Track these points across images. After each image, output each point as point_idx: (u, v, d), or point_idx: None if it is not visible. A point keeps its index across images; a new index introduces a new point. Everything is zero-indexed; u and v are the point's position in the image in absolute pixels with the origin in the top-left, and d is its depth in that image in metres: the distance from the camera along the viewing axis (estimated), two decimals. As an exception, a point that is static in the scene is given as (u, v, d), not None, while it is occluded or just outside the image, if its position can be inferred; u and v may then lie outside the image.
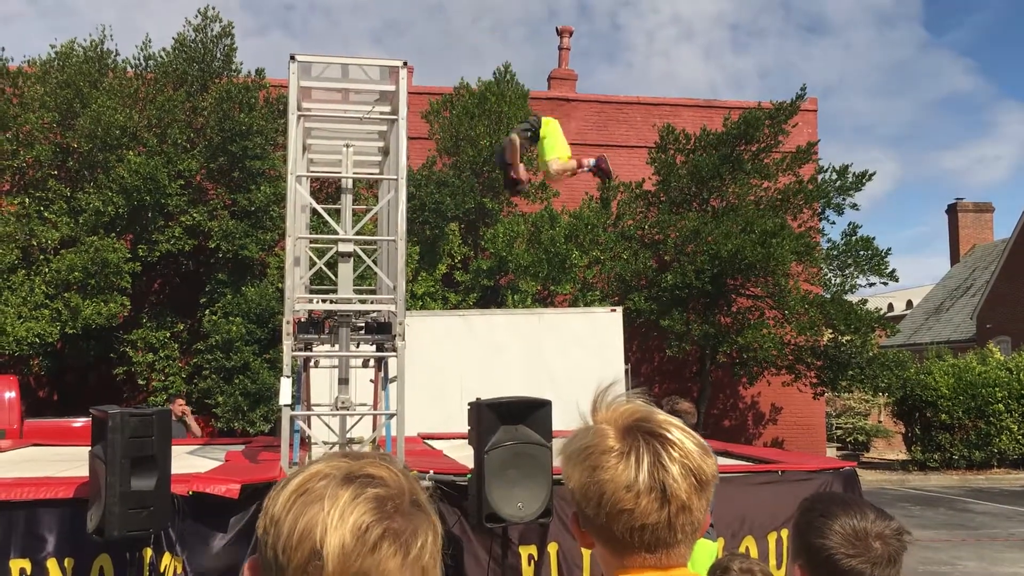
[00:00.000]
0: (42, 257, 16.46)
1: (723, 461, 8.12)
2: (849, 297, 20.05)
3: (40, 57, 17.40)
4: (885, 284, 20.93)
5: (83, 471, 5.48)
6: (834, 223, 21.92)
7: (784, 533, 6.66)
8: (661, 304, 18.92)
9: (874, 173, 20.31)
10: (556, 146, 7.79)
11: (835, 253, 20.32)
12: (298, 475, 1.12)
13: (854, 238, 20.13)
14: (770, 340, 18.35)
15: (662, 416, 1.36)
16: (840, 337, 19.64)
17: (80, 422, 13.56)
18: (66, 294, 15.90)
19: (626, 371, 16.21)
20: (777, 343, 18.50)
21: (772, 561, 6.54)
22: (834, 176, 20.32)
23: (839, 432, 26.52)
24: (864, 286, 20.63)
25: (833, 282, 20.33)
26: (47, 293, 15.94)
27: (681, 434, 1.33)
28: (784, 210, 19.60)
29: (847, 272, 20.21)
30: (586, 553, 6.26)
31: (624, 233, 19.64)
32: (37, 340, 15.39)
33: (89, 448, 5.40)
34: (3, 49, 18.35)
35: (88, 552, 5.53)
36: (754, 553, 6.57)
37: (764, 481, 7.04)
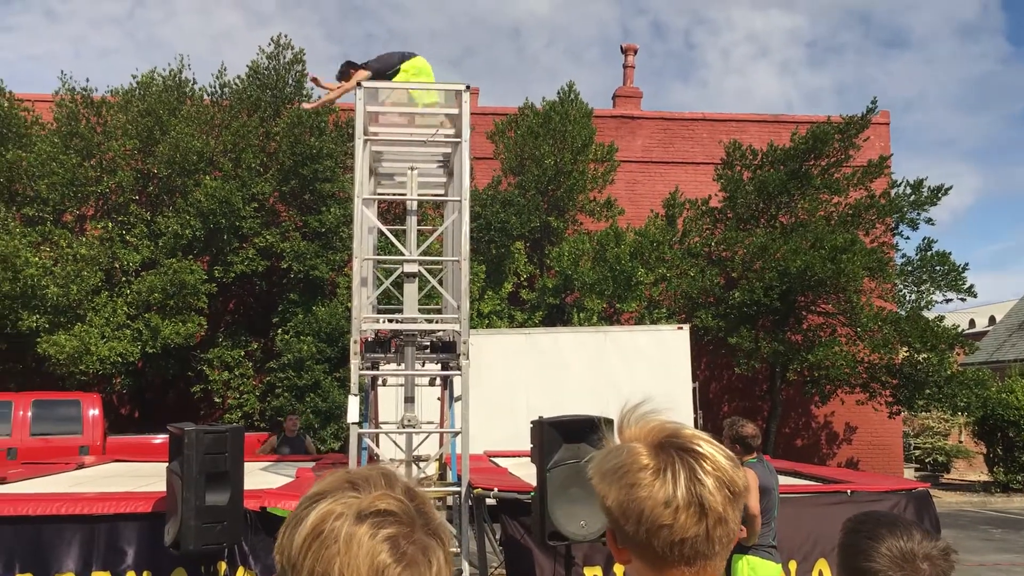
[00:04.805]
0: (124, 279, 17.08)
1: (791, 481, 7.97)
2: (927, 313, 19.49)
3: (123, 87, 18.15)
4: (963, 300, 20.31)
5: (162, 486, 5.66)
6: (908, 238, 21.37)
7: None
8: (729, 321, 18.67)
9: (950, 187, 19.74)
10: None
11: (910, 269, 19.81)
12: (310, 514, 1.14)
13: (929, 253, 19.60)
14: (842, 358, 17.94)
15: (690, 431, 1.40)
16: (916, 355, 19.09)
17: (160, 438, 14.01)
18: (146, 314, 16.48)
19: (694, 389, 16.05)
20: (850, 361, 18.08)
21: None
22: (908, 190, 19.85)
23: (917, 452, 25.70)
24: (941, 302, 20.04)
25: (908, 298, 19.81)
26: (128, 314, 16.54)
27: (712, 448, 1.37)
28: (855, 225, 19.19)
29: (923, 288, 19.67)
30: None
31: (690, 250, 19.47)
32: (119, 359, 15.96)
33: (167, 464, 5.60)
34: (88, 80, 19.13)
35: (165, 565, 5.72)
36: (825, 576, 6.44)
37: (833, 502, 6.89)
